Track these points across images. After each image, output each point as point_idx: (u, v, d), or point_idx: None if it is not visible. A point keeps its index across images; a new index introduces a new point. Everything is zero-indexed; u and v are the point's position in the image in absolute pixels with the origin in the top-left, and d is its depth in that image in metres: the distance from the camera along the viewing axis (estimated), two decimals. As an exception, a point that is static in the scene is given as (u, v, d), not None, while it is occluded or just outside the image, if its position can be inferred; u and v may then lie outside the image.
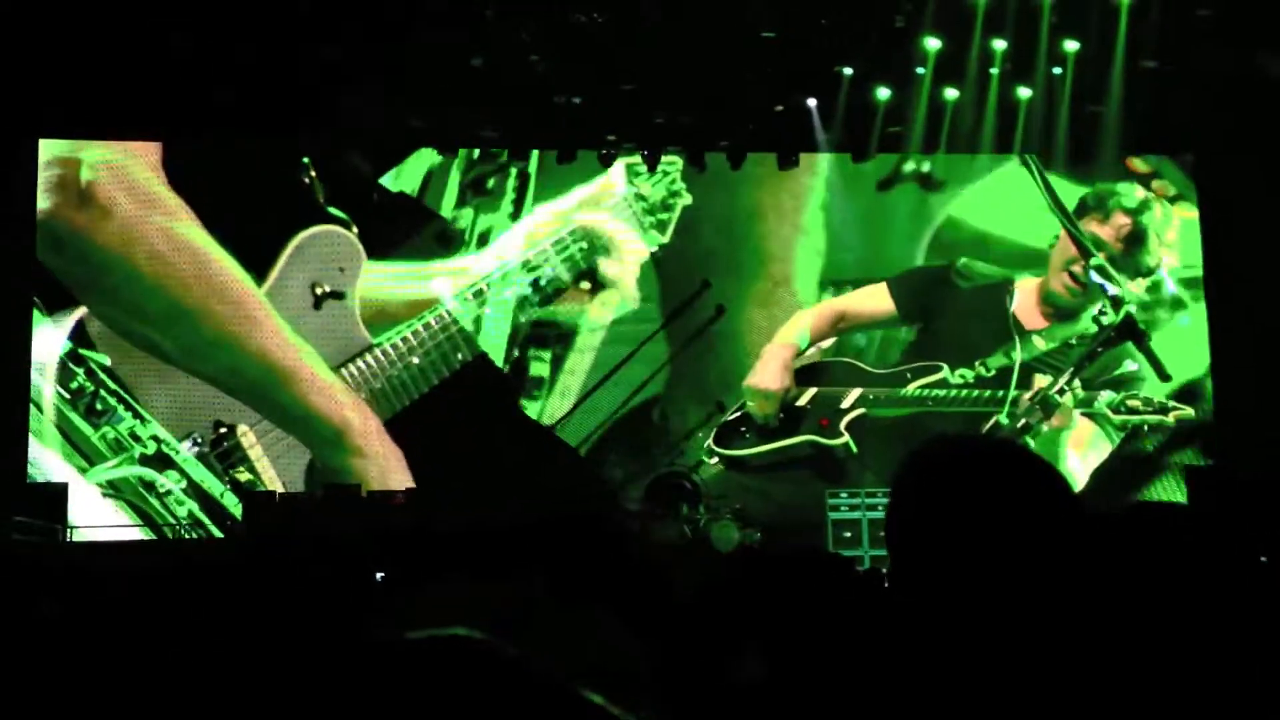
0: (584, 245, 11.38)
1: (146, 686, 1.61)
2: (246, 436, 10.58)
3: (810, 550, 2.20)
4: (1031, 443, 10.74)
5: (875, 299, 11.45)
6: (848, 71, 10.89)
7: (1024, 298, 11.42)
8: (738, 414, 11.22)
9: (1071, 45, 10.64)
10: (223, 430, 10.55)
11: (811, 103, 11.21)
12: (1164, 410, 11.02)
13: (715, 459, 11.09)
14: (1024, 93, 11.05)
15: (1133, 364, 11.09)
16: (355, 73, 10.07)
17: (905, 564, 1.69)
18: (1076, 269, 11.17)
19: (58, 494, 9.29)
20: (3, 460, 10.04)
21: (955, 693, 1.53)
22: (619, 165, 11.39)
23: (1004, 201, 11.66)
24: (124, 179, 10.65)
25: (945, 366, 11.14)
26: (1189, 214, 11.52)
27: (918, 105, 11.01)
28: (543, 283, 11.28)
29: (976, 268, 11.45)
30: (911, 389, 11.13)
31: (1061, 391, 10.87)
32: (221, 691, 1.53)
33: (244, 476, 10.48)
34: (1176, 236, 11.44)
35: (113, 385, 10.42)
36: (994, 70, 10.83)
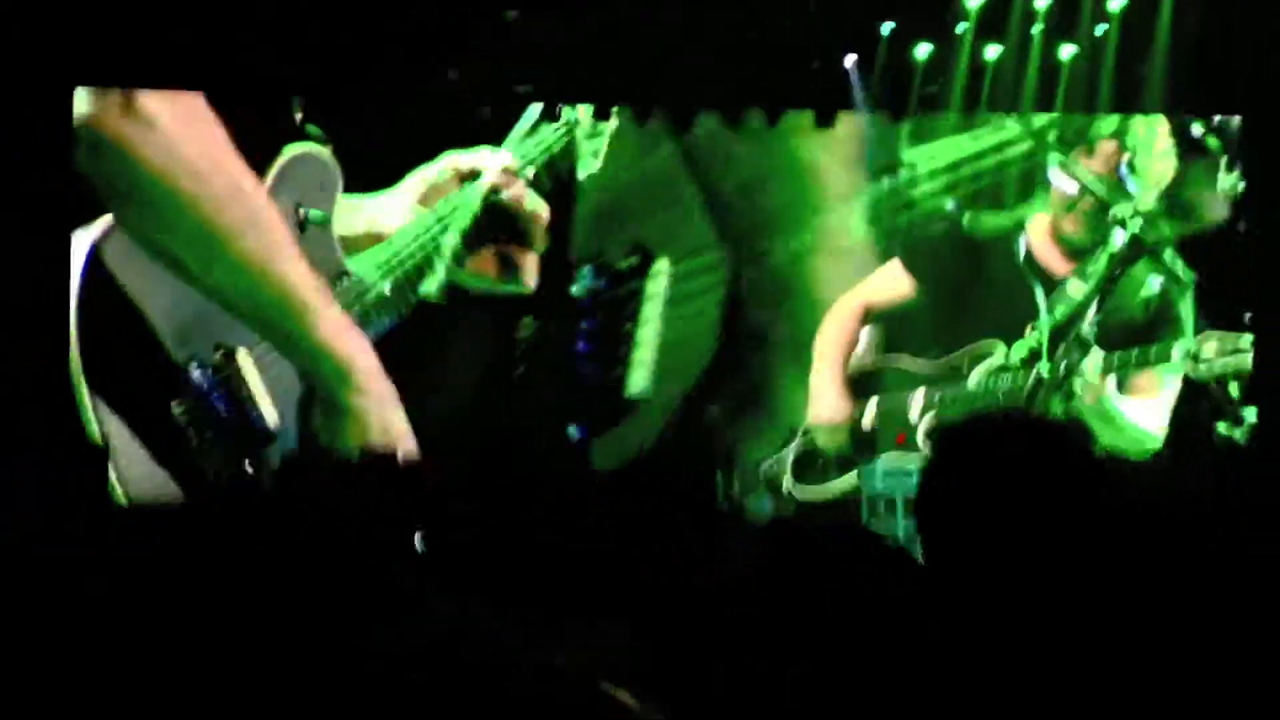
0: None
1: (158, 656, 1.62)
2: (246, 361, 10.68)
3: (844, 528, 2.18)
4: (1078, 387, 10.54)
5: (894, 282, 11.18)
6: (887, 28, 10.81)
7: (1040, 240, 11.20)
8: (809, 448, 10.97)
9: (1116, 3, 10.52)
10: (222, 353, 10.68)
11: (850, 60, 11.14)
12: (1238, 350, 10.59)
13: (803, 497, 10.89)
14: (1067, 51, 10.93)
15: (1156, 278, 10.87)
16: (388, 24, 10.08)
17: (934, 544, 1.72)
18: (1081, 207, 10.99)
19: (99, 454, 9.37)
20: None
21: (979, 675, 1.55)
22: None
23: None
24: (169, 93, 10.76)
25: (1001, 344, 10.83)
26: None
27: (958, 63, 10.92)
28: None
29: (984, 220, 11.23)
30: (974, 382, 10.87)
31: (1093, 325, 10.67)
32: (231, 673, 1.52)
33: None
34: (1167, 142, 11.20)
35: None
36: (1036, 28, 10.73)
